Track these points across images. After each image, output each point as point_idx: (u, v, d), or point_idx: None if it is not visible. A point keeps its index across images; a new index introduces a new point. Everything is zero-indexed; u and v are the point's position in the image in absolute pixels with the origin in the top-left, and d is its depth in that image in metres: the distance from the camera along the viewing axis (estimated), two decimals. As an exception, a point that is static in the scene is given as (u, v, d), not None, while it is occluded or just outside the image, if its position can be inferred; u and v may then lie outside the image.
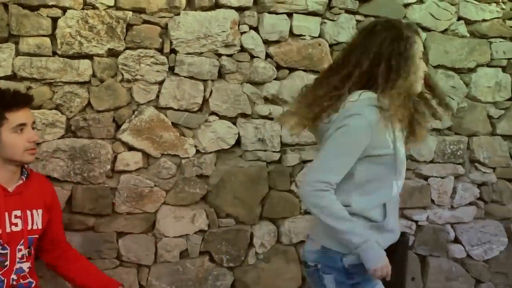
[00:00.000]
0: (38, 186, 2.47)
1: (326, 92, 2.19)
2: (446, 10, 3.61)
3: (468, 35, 3.69)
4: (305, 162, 3.31)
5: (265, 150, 3.23)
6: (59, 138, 2.84)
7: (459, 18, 3.67)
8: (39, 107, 2.78)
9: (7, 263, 2.34)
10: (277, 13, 3.19)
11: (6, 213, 2.31)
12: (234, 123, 3.17)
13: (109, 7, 2.88)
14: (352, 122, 2.10)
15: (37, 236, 2.44)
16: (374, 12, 3.42)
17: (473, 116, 3.72)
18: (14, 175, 2.37)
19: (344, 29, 3.34)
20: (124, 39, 2.91)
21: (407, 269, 2.71)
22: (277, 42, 3.22)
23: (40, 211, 2.44)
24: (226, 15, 3.09)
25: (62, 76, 2.81)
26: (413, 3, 3.54)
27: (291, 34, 3.25)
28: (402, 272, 2.40)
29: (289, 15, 3.22)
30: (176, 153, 3.06)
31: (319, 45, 3.30)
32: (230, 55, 3.13)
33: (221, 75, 3.13)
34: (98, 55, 2.88)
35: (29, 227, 2.39)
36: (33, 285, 2.44)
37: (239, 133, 3.17)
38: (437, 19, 3.60)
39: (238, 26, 3.13)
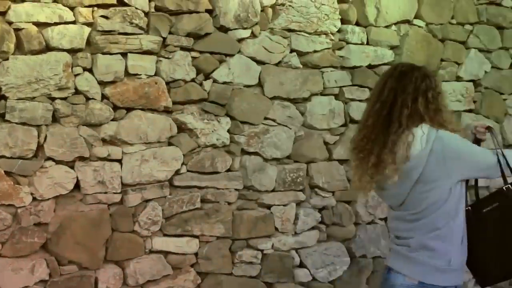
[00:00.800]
0: None
1: (383, 147, 2.35)
2: (279, 43, 3.73)
3: (301, 66, 3.83)
4: (147, 201, 3.30)
5: (105, 192, 3.18)
6: None
7: (292, 50, 3.79)
8: None
9: None
10: (111, 54, 3.17)
11: None
12: (72, 167, 3.11)
13: None
14: (442, 133, 2.32)
15: None
16: (209, 48, 3.48)
17: (310, 144, 3.86)
18: None
19: (180, 66, 3.38)
20: None
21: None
22: (112, 82, 3.19)
23: None
24: (58, 58, 3.03)
25: None
26: (247, 38, 3.60)
27: (127, 73, 3.23)
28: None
29: (124, 54, 3.21)
30: (11, 203, 2.94)
31: (156, 83, 3.31)
32: (64, 98, 3.07)
33: (55, 119, 3.06)
34: None
35: None
36: None
37: (77, 177, 3.11)
38: (270, 52, 3.70)
39: (72, 68, 3.08)
